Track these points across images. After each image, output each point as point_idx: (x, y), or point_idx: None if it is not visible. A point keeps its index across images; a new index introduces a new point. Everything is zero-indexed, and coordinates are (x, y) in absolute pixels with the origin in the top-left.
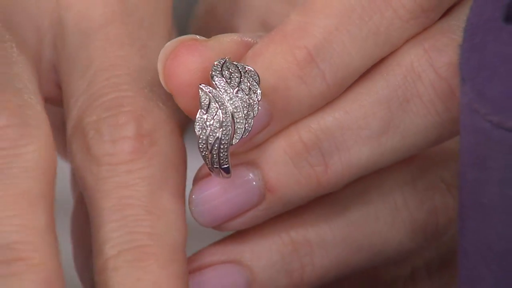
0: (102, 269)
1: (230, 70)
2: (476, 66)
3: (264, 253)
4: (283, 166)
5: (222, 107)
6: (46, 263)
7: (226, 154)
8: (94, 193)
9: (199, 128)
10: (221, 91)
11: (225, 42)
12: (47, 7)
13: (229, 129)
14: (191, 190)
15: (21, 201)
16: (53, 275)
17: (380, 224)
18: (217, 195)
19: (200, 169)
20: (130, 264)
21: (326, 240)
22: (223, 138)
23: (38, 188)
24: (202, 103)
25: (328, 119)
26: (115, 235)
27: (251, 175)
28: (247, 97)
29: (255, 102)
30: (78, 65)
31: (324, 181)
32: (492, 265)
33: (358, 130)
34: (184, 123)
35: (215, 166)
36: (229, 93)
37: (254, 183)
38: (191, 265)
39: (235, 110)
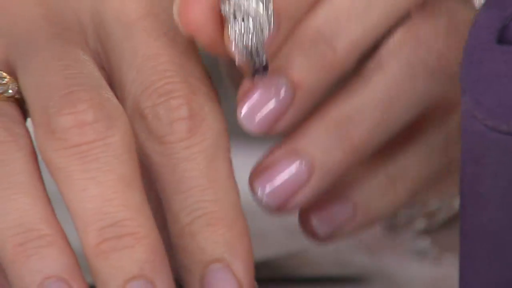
0: (180, 235)
1: None
2: (474, 80)
3: (315, 137)
4: (300, 63)
5: (245, 14)
6: (150, 235)
7: (263, 53)
8: (161, 168)
9: (234, 38)
10: None
11: None
12: (86, 2)
13: (260, 32)
14: (238, 109)
15: (118, 185)
16: (157, 244)
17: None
18: (259, 104)
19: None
20: (204, 229)
21: (365, 106)
22: (257, 40)
23: (130, 171)
24: (229, 15)
25: (321, 14)
26: (185, 205)
27: (280, 80)
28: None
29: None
30: (125, 56)
31: (336, 62)
32: (487, 243)
33: (349, 13)
34: None
35: (258, 68)
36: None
37: (284, 86)
38: (257, 169)
39: (257, 14)
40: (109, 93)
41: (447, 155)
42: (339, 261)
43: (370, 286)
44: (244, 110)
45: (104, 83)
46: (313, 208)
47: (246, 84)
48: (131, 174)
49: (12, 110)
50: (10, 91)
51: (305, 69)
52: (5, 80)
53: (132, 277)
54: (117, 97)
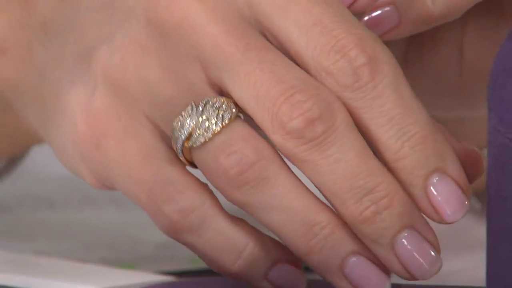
0: (395, 159)
1: None
2: (498, 101)
3: None
4: None
5: None
6: (398, 191)
7: None
8: (360, 111)
9: None
10: None
11: None
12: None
13: None
14: None
15: (358, 158)
16: (405, 196)
17: None
18: None
19: None
20: (414, 149)
21: None
22: None
23: (360, 141)
24: None
25: None
26: (392, 134)
27: None
28: None
29: None
30: (291, 30)
31: None
32: (510, 240)
33: None
34: None
35: None
36: None
37: None
38: None
39: None
40: (312, 81)
41: None
42: None
43: None
44: None
45: (298, 69)
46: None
47: None
48: (362, 143)
49: (246, 126)
50: (234, 110)
51: None
52: (224, 103)
53: (397, 231)
54: (299, 67)
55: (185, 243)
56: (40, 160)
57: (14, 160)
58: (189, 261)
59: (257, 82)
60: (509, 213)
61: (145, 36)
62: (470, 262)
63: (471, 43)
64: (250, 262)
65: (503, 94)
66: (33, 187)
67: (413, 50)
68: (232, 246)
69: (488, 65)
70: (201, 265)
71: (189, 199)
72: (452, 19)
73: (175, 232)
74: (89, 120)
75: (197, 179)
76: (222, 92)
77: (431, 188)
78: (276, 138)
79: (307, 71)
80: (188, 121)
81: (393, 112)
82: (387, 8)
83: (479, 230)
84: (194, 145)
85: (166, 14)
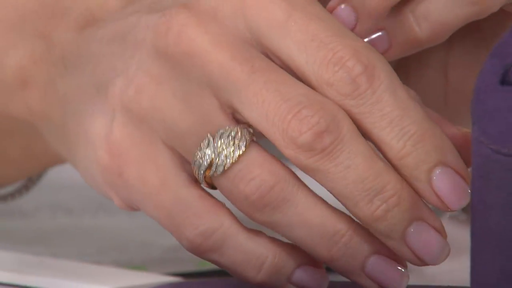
0: (399, 158)
1: None
2: (481, 114)
3: None
4: None
5: None
6: (403, 186)
7: None
8: (361, 116)
9: None
10: None
11: None
12: (240, 23)
13: None
14: None
15: (366, 163)
16: (410, 190)
17: None
18: None
19: None
20: (415, 147)
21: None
22: None
23: (365, 146)
24: None
25: None
26: (393, 135)
27: None
28: None
29: None
30: (291, 48)
31: None
32: (492, 241)
33: None
34: None
35: None
36: None
37: None
38: None
39: None
40: (316, 96)
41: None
42: None
43: None
44: None
45: (302, 85)
46: None
47: None
48: (367, 148)
49: (261, 151)
50: (248, 137)
51: None
52: (238, 132)
53: (407, 225)
54: (302, 81)
55: (209, 260)
56: (59, 171)
57: (32, 179)
58: (195, 263)
59: (265, 102)
60: (491, 218)
61: (157, 68)
62: (456, 264)
63: (455, 67)
64: (271, 272)
65: (485, 108)
66: (52, 196)
67: (400, 74)
68: (253, 259)
69: (471, 86)
70: (206, 267)
71: (207, 223)
72: (437, 43)
73: (199, 253)
74: (110, 150)
75: (214, 200)
76: (234, 115)
77: (435, 180)
78: (289, 152)
79: (309, 84)
80: (207, 152)
81: (393, 114)
82: (379, 33)
83: (464, 237)
84: (215, 174)
85: (174, 46)
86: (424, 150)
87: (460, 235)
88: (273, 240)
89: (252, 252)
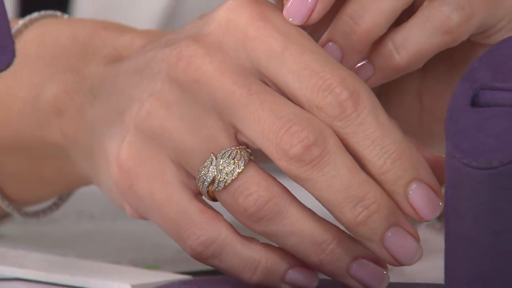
0: (380, 173)
1: None
2: (453, 132)
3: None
4: None
5: None
6: (383, 195)
7: None
8: (347, 136)
9: None
10: None
11: None
12: (242, 54)
13: None
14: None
15: (350, 173)
16: (388, 199)
17: None
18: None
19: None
20: (394, 164)
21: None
22: None
23: (349, 158)
24: None
25: None
26: (375, 153)
27: None
28: None
29: None
30: (286, 76)
31: None
32: (463, 244)
33: None
34: None
35: None
36: None
37: None
38: None
39: None
40: (305, 114)
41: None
42: None
43: None
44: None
45: (293, 105)
46: None
47: None
48: (351, 161)
49: (257, 170)
50: (246, 157)
51: None
52: (238, 153)
53: (385, 229)
54: (295, 104)
55: (210, 265)
56: None
57: (62, 198)
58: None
59: (260, 120)
60: (462, 224)
61: (168, 93)
62: (432, 264)
63: (428, 93)
64: (265, 273)
65: (457, 127)
66: (77, 203)
67: (382, 100)
68: (248, 264)
69: (442, 110)
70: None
71: (208, 233)
72: (415, 68)
73: (200, 259)
74: (120, 165)
75: (214, 213)
76: (236, 135)
77: (411, 194)
78: (282, 163)
79: (302, 107)
80: (211, 169)
81: (375, 135)
82: (363, 62)
83: (438, 240)
84: (217, 189)
85: (184, 73)
86: (401, 167)
87: (435, 239)
88: (266, 245)
89: (247, 257)
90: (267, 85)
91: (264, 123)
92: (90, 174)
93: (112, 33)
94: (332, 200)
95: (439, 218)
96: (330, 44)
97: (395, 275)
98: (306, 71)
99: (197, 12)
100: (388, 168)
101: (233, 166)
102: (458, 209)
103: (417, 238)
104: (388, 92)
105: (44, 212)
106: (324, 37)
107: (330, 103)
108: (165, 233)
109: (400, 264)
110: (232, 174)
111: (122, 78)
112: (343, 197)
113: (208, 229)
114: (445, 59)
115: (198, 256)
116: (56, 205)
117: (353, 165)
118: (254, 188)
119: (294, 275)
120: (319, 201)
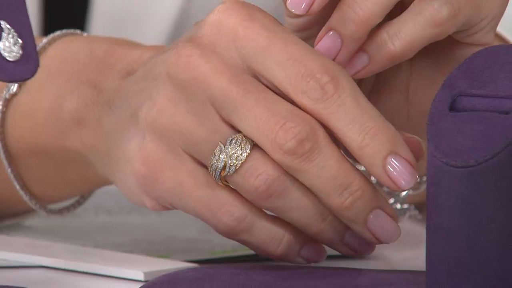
0: (359, 148)
1: None
2: (435, 134)
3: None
4: None
5: None
6: (366, 182)
7: None
8: (329, 116)
9: None
10: None
11: None
12: (234, 55)
13: None
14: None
15: (338, 163)
16: (371, 185)
17: None
18: None
19: None
20: (373, 139)
21: None
22: None
23: (336, 150)
24: None
25: None
26: (355, 130)
27: None
28: None
29: None
30: (273, 68)
31: None
32: (442, 235)
33: None
34: None
35: None
36: None
37: None
38: None
39: None
40: (296, 110)
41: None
42: None
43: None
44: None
45: (285, 102)
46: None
47: None
48: (338, 152)
49: (262, 152)
50: (251, 140)
51: None
52: (243, 138)
53: (368, 213)
54: (282, 93)
55: (239, 241)
56: None
57: (84, 197)
58: (209, 253)
59: (256, 116)
60: (442, 217)
61: (171, 91)
62: (416, 253)
63: (415, 89)
64: (288, 246)
65: (438, 129)
66: (96, 198)
67: (373, 98)
68: (274, 237)
69: (427, 107)
70: (217, 255)
71: (240, 210)
72: (409, 57)
73: (233, 235)
74: (144, 162)
75: (238, 193)
76: (233, 127)
77: (388, 166)
78: (276, 156)
79: (287, 94)
80: (221, 156)
81: (354, 113)
82: (360, 52)
83: (420, 232)
84: (229, 174)
85: (183, 72)
86: (379, 142)
87: (417, 230)
88: (287, 223)
89: (274, 232)
90: (259, 80)
91: (260, 120)
92: (108, 175)
93: (124, 49)
94: (322, 188)
95: (420, 211)
96: (331, 32)
97: (382, 262)
98: (289, 61)
99: None
100: (366, 143)
101: (241, 151)
102: (438, 203)
103: (395, 219)
104: (379, 90)
105: (67, 209)
106: (325, 26)
107: (313, 87)
108: (195, 216)
109: (380, 242)
110: (241, 158)
111: (132, 86)
112: (332, 185)
113: (240, 206)
114: (430, 55)
115: (231, 231)
116: (78, 203)
117: (340, 156)
118: (262, 168)
119: (307, 250)
120: (310, 188)
